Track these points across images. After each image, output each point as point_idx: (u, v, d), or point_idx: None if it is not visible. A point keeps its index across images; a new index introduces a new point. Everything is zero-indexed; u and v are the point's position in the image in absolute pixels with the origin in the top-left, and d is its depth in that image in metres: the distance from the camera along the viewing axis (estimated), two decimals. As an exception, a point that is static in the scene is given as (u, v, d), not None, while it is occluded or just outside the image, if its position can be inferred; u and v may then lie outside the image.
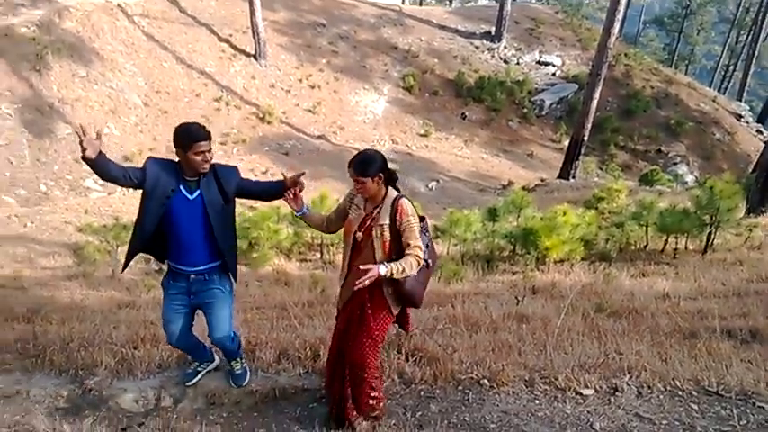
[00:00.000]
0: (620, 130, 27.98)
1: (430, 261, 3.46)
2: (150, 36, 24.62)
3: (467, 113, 27.64)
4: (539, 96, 28.83)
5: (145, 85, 22.92)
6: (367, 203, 3.48)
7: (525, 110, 28.27)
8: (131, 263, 3.70)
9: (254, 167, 21.02)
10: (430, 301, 7.07)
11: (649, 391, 4.00)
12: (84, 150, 3.09)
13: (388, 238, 3.38)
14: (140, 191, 3.43)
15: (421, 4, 44.37)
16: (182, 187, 3.41)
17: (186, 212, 3.42)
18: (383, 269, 3.22)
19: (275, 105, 24.78)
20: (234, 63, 25.75)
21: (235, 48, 26.27)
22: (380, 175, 3.36)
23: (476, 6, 40.05)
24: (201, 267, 3.56)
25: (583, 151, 22.05)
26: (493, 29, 31.50)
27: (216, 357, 4.15)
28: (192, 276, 3.57)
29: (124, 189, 17.90)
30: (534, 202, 13.10)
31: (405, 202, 3.41)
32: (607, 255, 10.19)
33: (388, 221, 3.37)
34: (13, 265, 12.75)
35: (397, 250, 3.38)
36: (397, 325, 3.76)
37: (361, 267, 3.22)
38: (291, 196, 3.62)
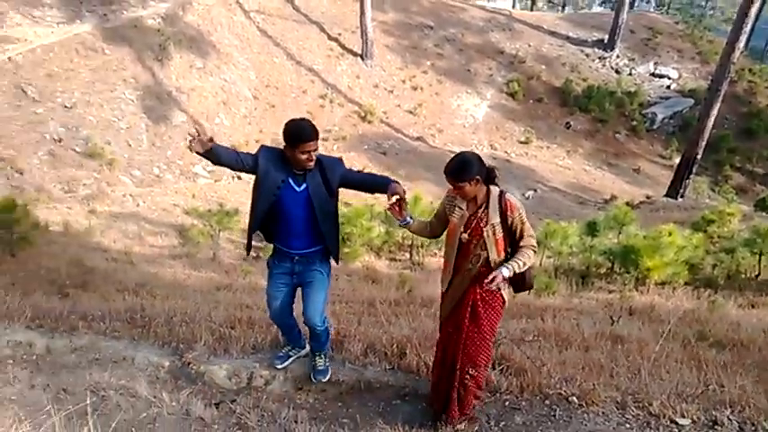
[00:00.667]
0: (737, 150, 26.22)
1: None
2: (264, 32, 25.63)
3: (572, 123, 26.85)
4: (650, 109, 27.54)
5: (255, 79, 23.91)
6: (469, 204, 3.46)
7: (635, 122, 27.08)
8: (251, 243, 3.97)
9: (352, 165, 21.15)
10: (518, 312, 6.94)
11: (753, 428, 3.74)
12: (190, 149, 3.36)
13: (501, 236, 3.39)
14: (245, 178, 3.62)
15: (532, 9, 43.51)
16: (290, 179, 3.57)
17: (293, 202, 3.60)
18: (506, 272, 3.31)
19: (377, 105, 25.13)
20: (341, 62, 26.34)
21: (343, 47, 26.87)
22: (477, 177, 3.34)
23: (589, 13, 38.76)
24: (305, 251, 3.75)
25: (694, 170, 20.89)
26: (606, 37, 30.37)
27: (307, 346, 4.28)
28: (296, 258, 3.76)
29: (230, 178, 18.76)
30: (638, 219, 12.55)
31: (510, 196, 3.43)
32: (713, 281, 9.62)
33: (498, 219, 3.37)
34: (124, 240, 13.67)
35: (508, 245, 3.43)
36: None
37: (486, 282, 3.31)
38: (397, 209, 3.65)
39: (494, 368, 4.38)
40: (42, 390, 3.84)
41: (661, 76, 29.47)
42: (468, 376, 3.55)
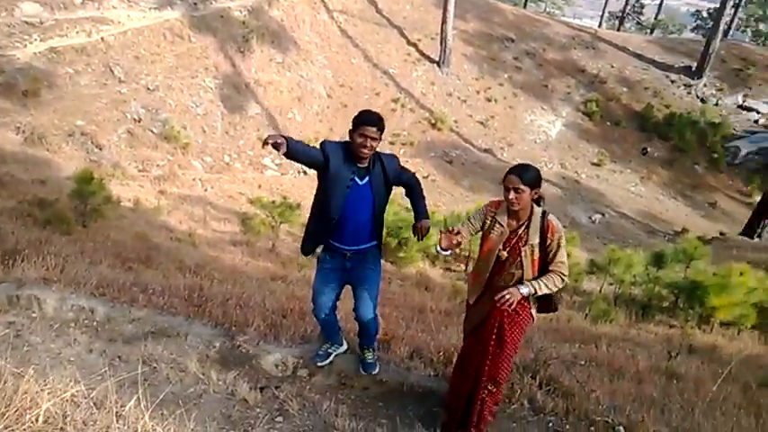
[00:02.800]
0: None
1: None
2: (344, 32, 26.00)
3: (648, 149, 26.02)
4: (734, 143, 26.37)
5: (331, 78, 24.27)
6: (510, 220, 3.38)
7: (716, 155, 25.97)
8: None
9: (417, 171, 21.33)
10: (572, 337, 6.79)
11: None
12: (263, 145, 3.31)
13: (537, 256, 3.34)
14: (311, 173, 3.65)
15: (619, 29, 42.43)
16: (355, 174, 3.58)
17: (357, 198, 3.61)
18: (525, 290, 3.27)
19: (448, 113, 25.08)
20: (417, 67, 26.43)
21: (421, 53, 26.95)
22: (537, 190, 3.30)
23: (679, 38, 37.48)
24: (359, 247, 3.75)
25: (776, 210, 19.86)
26: (694, 64, 29.32)
27: (345, 343, 4.31)
28: (349, 254, 3.76)
29: (296, 172, 19.11)
30: (708, 255, 12.02)
31: (554, 218, 3.36)
32: (784, 328, 9.12)
33: (537, 240, 3.32)
34: (189, 222, 14.09)
35: (543, 267, 3.37)
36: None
37: (504, 295, 3.24)
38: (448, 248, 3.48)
39: (540, 388, 4.30)
40: (99, 355, 4.02)
41: (749, 110, 28.21)
42: (486, 392, 3.52)
